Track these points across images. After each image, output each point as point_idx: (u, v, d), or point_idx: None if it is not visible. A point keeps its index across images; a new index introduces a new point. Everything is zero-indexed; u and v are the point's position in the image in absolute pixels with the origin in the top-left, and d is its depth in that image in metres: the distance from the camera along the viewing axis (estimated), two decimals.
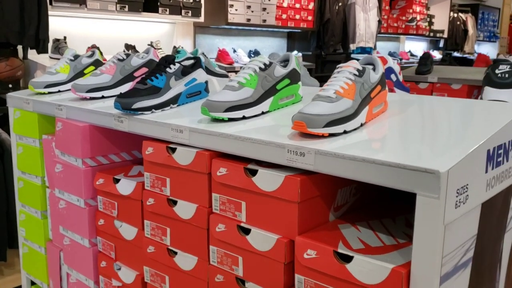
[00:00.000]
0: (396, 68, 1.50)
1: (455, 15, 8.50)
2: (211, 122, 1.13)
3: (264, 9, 4.77)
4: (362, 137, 0.94)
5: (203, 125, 1.11)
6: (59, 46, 3.49)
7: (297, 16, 5.14)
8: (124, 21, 4.12)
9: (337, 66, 1.02)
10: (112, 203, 1.36)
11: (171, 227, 1.20)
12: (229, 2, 4.45)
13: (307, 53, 5.58)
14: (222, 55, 4.69)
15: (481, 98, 1.40)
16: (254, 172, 0.99)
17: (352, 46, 5.97)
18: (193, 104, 1.34)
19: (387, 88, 1.08)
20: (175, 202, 1.17)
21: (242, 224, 1.03)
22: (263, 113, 1.17)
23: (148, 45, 4.25)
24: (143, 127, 1.22)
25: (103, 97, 1.48)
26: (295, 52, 5.42)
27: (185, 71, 1.32)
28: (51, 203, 1.58)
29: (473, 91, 3.40)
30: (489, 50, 10.12)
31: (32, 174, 1.64)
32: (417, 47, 8.27)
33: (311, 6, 5.27)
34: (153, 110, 1.25)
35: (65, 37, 3.58)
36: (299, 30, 5.38)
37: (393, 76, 1.49)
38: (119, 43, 4.09)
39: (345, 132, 0.95)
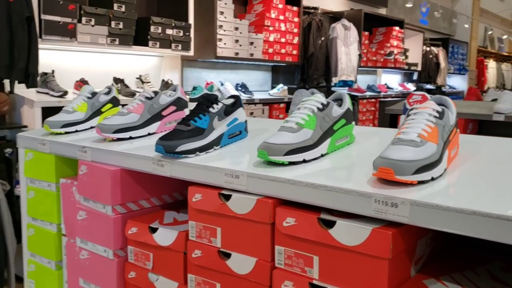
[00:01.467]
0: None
1: (428, 48, 8.76)
2: (267, 166, 1.04)
3: (252, 43, 4.77)
4: (452, 185, 0.87)
5: (262, 169, 1.02)
6: (47, 80, 3.36)
7: (283, 50, 5.16)
8: (112, 54, 4.03)
9: (412, 107, 0.96)
10: (146, 254, 1.24)
11: (222, 283, 1.09)
12: (218, 36, 4.42)
13: (291, 86, 5.59)
14: None
15: None
16: (331, 224, 0.90)
17: (335, 80, 6.04)
18: (235, 145, 1.25)
19: (458, 130, 1.03)
20: (228, 255, 1.07)
21: (314, 282, 0.94)
22: (322, 155, 1.10)
23: (137, 78, 4.17)
24: (190, 172, 1.12)
25: (130, 137, 1.38)
26: (280, 85, 5.42)
27: (227, 111, 1.24)
28: (68, 252, 1.44)
29: (468, 124, 3.43)
30: (459, 82, 10.45)
31: (46, 221, 1.51)
32: (392, 79, 8.44)
33: (295, 40, 5.31)
34: (198, 153, 1.16)
35: (53, 71, 3.45)
36: (283, 64, 5.40)
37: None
38: (107, 76, 3.98)
39: (432, 179, 0.88)
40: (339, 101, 1.18)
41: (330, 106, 1.11)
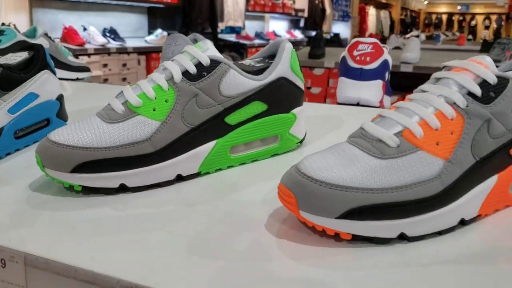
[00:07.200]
0: (390, 61, 0.93)
1: None
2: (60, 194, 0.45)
3: None
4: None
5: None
6: None
7: None
8: None
9: (443, 64, 0.41)
10: None
11: None
12: None
13: (172, 32, 4.84)
14: (68, 34, 3.75)
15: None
16: None
17: (221, 25, 5.44)
18: (30, 153, 0.63)
19: None
20: None
21: None
22: (180, 178, 0.52)
23: None
24: None
25: None
26: (159, 30, 4.66)
27: (9, 79, 0.60)
28: None
29: None
30: (343, 29, 10.38)
31: None
32: (280, 26, 8.01)
33: None
34: None
35: None
36: (161, 6, 4.63)
37: (387, 74, 0.92)
38: None
39: (403, 238, 0.36)
40: (267, 60, 0.59)
41: (221, 71, 0.52)
